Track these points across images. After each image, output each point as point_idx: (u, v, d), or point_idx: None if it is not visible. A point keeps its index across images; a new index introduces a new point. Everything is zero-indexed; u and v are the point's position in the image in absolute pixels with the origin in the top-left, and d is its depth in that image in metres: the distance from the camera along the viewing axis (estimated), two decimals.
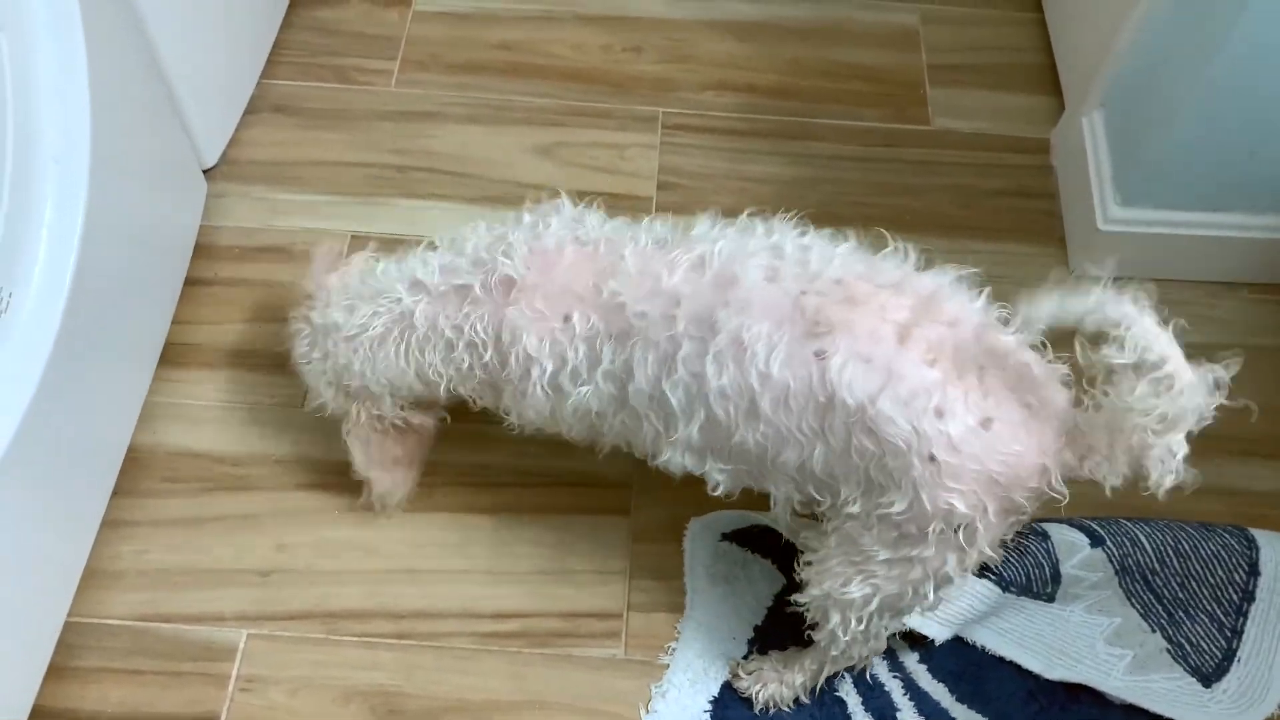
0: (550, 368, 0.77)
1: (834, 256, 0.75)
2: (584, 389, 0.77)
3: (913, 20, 1.39)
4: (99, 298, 0.91)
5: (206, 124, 1.16)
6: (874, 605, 0.74)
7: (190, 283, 1.12)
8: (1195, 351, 1.17)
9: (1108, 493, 0.68)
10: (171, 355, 1.07)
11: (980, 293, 0.72)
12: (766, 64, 1.34)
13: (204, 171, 1.19)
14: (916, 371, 0.66)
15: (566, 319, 0.76)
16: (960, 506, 0.66)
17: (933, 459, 0.66)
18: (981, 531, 0.68)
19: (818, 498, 0.74)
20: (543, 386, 0.78)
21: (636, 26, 1.37)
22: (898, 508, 0.67)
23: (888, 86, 1.33)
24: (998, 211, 1.22)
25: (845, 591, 0.74)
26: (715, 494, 0.79)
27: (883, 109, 1.31)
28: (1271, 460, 1.06)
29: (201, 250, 1.15)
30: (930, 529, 0.67)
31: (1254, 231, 1.11)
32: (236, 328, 1.10)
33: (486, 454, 1.04)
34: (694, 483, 0.80)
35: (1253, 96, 0.98)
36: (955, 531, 0.68)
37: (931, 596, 0.74)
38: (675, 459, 0.78)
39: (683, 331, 0.72)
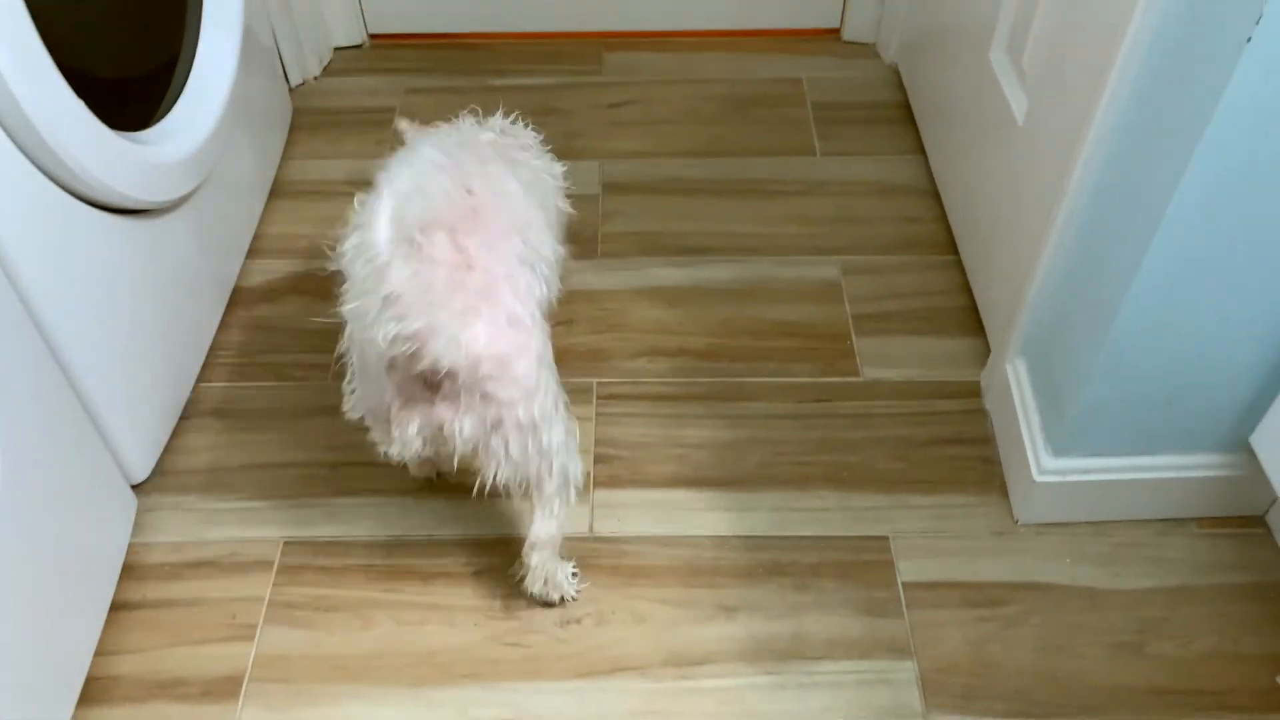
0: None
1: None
2: None
3: (834, 273, 1.44)
4: (13, 637, 0.87)
5: (135, 441, 1.16)
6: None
7: (116, 608, 1.08)
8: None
9: None
10: (93, 691, 1.02)
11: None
12: (696, 327, 1.37)
13: (135, 486, 1.18)
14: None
15: None
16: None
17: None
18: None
19: None
20: None
21: (567, 299, 1.40)
22: None
23: (815, 340, 1.35)
24: (935, 461, 1.22)
25: None
26: None
27: (812, 363, 1.33)
28: (1246, 713, 1.01)
29: (130, 570, 1.12)
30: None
31: (1189, 471, 1.11)
32: (165, 654, 1.06)
33: None
34: None
35: (1159, 349, 0.99)
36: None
37: None
38: None
39: None
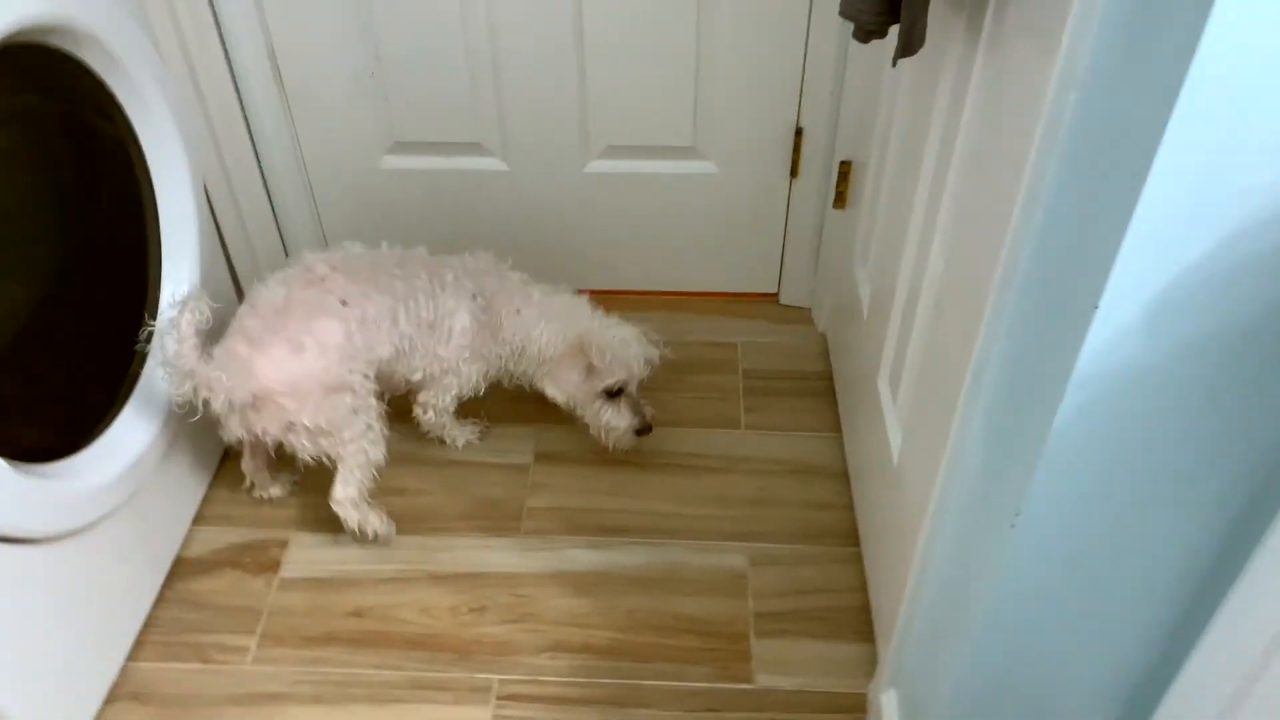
0: None
1: None
2: None
3: (742, 562, 1.49)
4: None
5: None
6: None
7: None
8: None
9: None
10: None
11: None
12: (602, 619, 1.43)
13: None
14: None
15: None
16: None
17: None
18: None
19: None
20: None
21: (485, 582, 1.48)
22: None
23: (714, 640, 1.40)
24: None
25: None
26: None
27: (708, 666, 1.37)
28: None
29: None
30: None
31: None
32: None
33: None
34: None
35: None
36: None
37: None
38: None
39: None
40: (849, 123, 1.61)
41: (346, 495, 1.45)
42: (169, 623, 1.43)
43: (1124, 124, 0.62)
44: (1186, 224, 0.60)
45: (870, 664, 1.37)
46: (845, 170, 1.63)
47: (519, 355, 1.55)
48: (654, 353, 1.56)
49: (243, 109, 1.66)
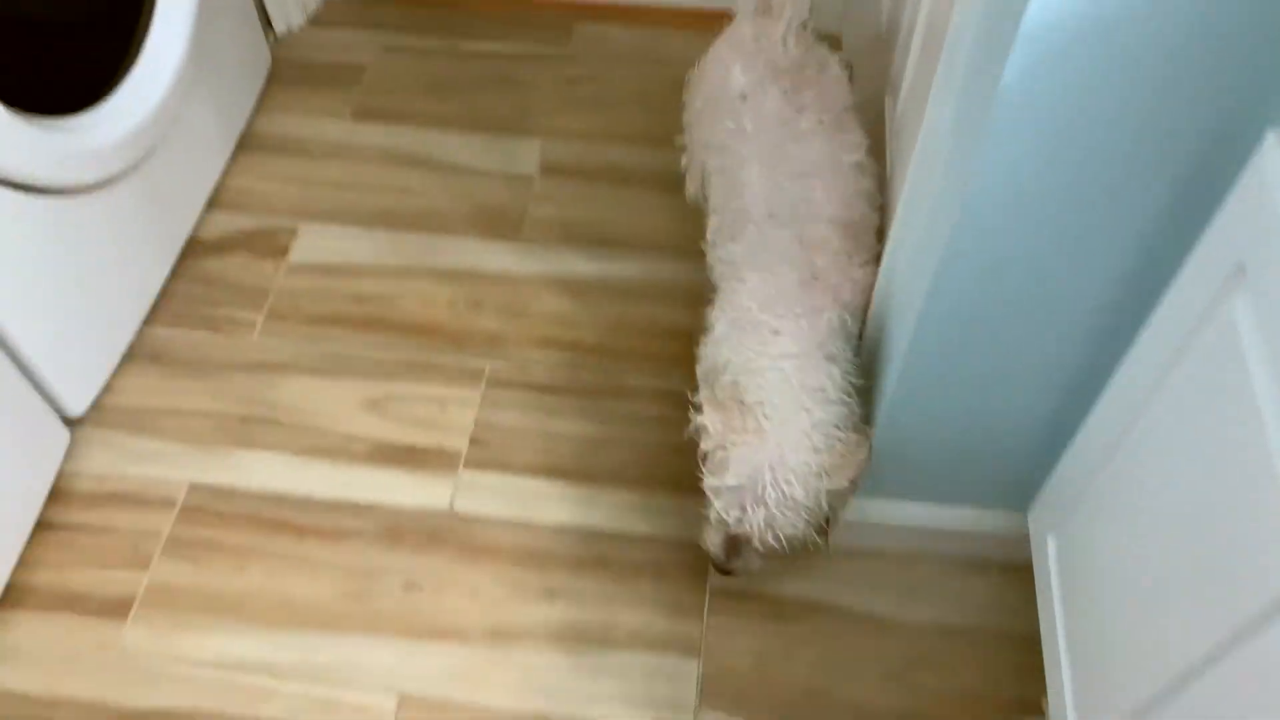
0: None
1: None
2: None
3: None
4: None
5: (70, 384, 1.33)
6: None
7: (41, 526, 1.28)
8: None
9: None
10: (9, 596, 1.23)
11: None
12: (592, 321, 1.48)
13: (76, 420, 1.36)
14: None
15: None
16: None
17: None
18: None
19: None
20: None
21: (483, 281, 1.52)
22: None
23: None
24: None
25: None
26: None
27: (689, 369, 1.42)
28: None
29: (58, 494, 1.31)
30: None
31: (987, 525, 1.19)
32: (74, 573, 1.26)
33: None
34: None
35: (944, 408, 1.06)
36: None
37: None
38: None
39: None
40: None
41: None
42: (182, 295, 1.51)
43: None
44: None
45: None
46: None
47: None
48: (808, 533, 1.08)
49: None
